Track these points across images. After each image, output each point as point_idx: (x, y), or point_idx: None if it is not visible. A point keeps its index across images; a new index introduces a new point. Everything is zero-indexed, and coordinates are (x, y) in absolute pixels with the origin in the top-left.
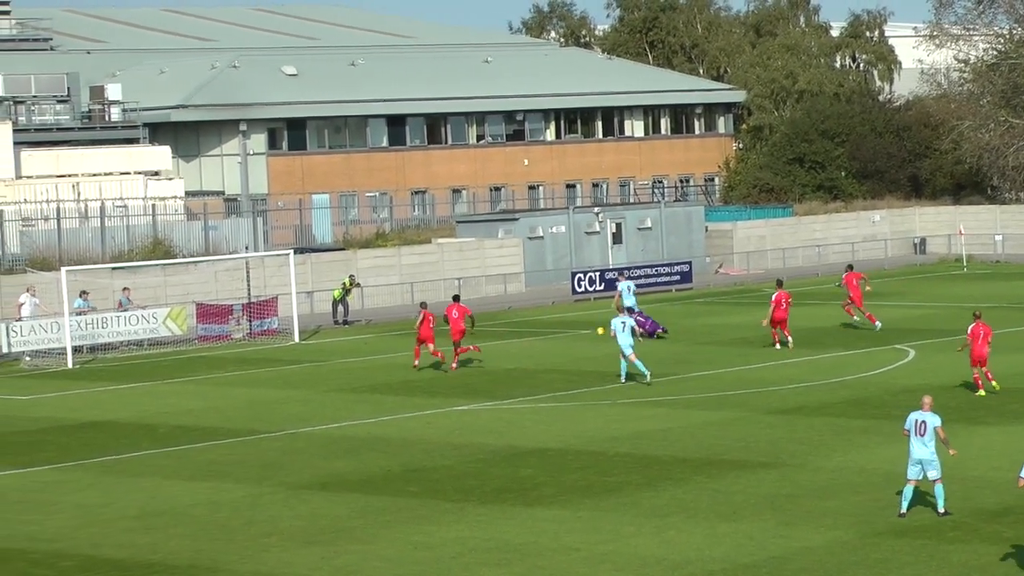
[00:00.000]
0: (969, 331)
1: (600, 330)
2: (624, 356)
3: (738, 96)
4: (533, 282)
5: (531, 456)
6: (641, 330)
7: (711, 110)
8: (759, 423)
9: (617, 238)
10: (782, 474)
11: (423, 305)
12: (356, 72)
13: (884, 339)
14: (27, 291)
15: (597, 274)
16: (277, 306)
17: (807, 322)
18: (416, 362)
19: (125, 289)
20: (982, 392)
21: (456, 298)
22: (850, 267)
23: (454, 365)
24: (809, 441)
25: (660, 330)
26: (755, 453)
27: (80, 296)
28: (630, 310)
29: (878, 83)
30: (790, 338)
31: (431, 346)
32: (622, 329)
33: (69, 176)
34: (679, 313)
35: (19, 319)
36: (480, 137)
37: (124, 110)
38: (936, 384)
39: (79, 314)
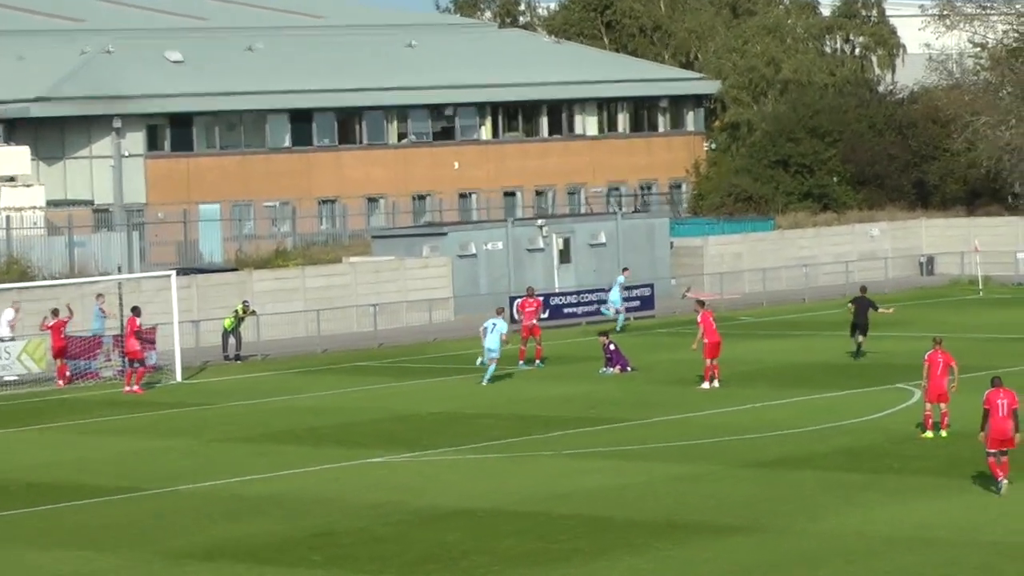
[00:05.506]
0: (926, 358)
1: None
2: (486, 358)
3: (710, 87)
4: (464, 309)
5: (459, 518)
6: (617, 368)
7: (678, 104)
8: (734, 478)
9: (565, 256)
10: (762, 540)
11: (55, 312)
12: (253, 58)
13: (885, 377)
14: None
15: (541, 299)
16: (156, 338)
17: (793, 356)
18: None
19: (99, 296)
20: (929, 434)
21: (136, 310)
22: (701, 303)
23: (137, 388)
24: (794, 500)
25: (629, 368)
26: (729, 515)
27: None
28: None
29: (877, 71)
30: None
31: (58, 361)
32: (491, 330)
33: None
34: (639, 346)
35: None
36: (401, 136)
37: None
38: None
39: None
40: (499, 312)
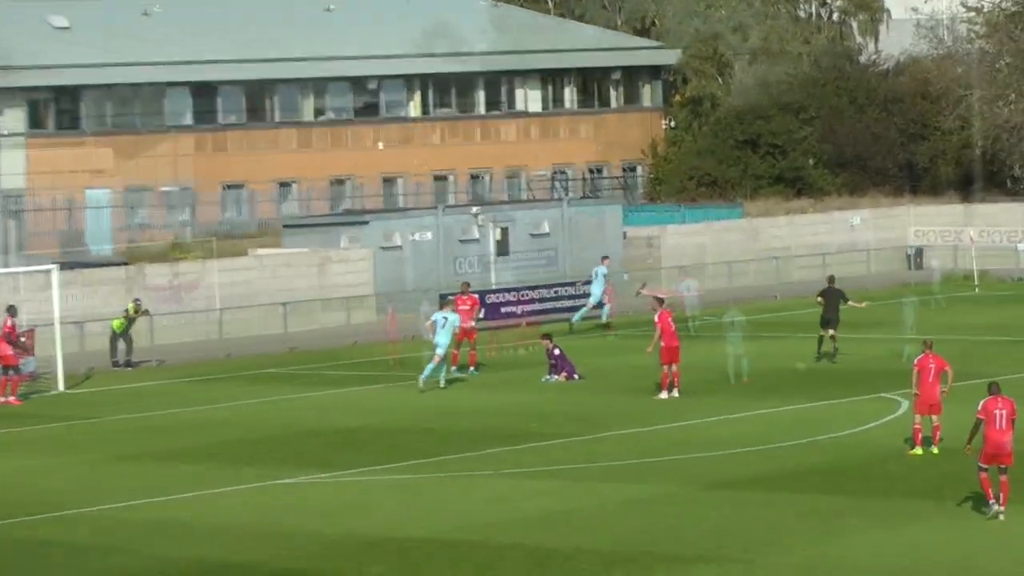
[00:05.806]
0: (915, 363)
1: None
2: (437, 355)
3: (669, 57)
4: (387, 308)
5: (383, 548)
6: (562, 375)
7: (632, 76)
8: (697, 502)
9: (503, 248)
10: (728, 572)
11: None
12: (150, 24)
13: (868, 386)
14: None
15: (477, 297)
16: (34, 341)
17: (764, 361)
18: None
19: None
20: (919, 450)
21: (12, 309)
22: (661, 301)
23: (12, 399)
24: (765, 525)
25: (576, 375)
26: (690, 544)
27: None
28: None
29: (858, 39)
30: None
31: None
32: (442, 325)
33: None
34: (587, 350)
35: None
36: (319, 112)
37: None
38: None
39: None
40: (444, 305)
